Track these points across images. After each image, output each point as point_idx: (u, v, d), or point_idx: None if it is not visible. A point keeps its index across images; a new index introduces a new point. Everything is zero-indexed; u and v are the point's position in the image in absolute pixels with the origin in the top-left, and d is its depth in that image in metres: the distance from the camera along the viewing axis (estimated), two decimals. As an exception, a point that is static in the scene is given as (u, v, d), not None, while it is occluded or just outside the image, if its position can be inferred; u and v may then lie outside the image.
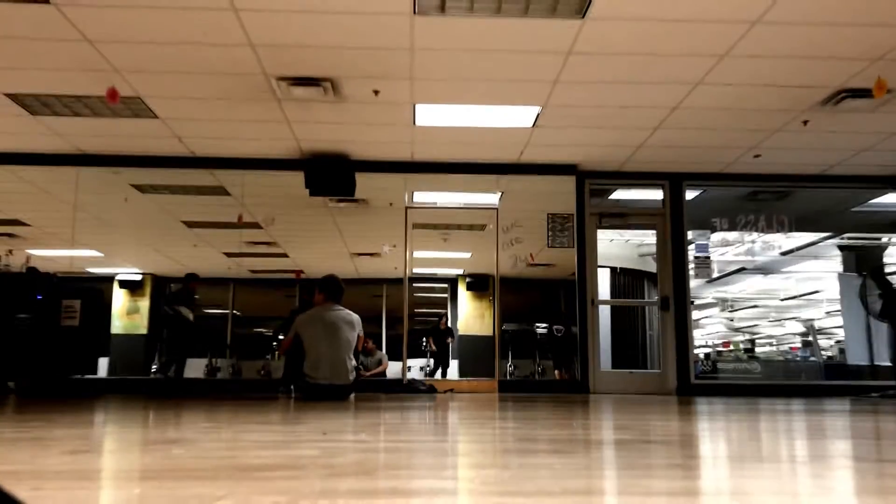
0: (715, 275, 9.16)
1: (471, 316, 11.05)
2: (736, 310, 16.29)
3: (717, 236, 8.77)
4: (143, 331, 10.23)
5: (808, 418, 3.01)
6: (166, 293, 9.76)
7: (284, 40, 5.22)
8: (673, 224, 8.26)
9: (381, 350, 10.35)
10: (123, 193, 8.50)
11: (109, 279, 10.15)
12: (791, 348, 16.32)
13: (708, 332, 18.27)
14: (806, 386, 8.36)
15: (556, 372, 9.12)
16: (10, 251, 8.19)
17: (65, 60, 5.53)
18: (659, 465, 1.43)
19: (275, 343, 9.12)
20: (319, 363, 5.54)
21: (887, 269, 9.20)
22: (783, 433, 2.28)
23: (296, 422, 2.73)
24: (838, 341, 12.87)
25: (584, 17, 4.83)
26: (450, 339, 11.16)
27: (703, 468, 1.44)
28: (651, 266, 10.12)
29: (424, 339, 11.06)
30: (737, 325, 17.81)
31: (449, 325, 11.39)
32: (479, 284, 11.04)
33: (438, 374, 10.88)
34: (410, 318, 8.59)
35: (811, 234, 9.64)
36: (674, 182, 8.30)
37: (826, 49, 5.23)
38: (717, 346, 17.45)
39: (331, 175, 7.77)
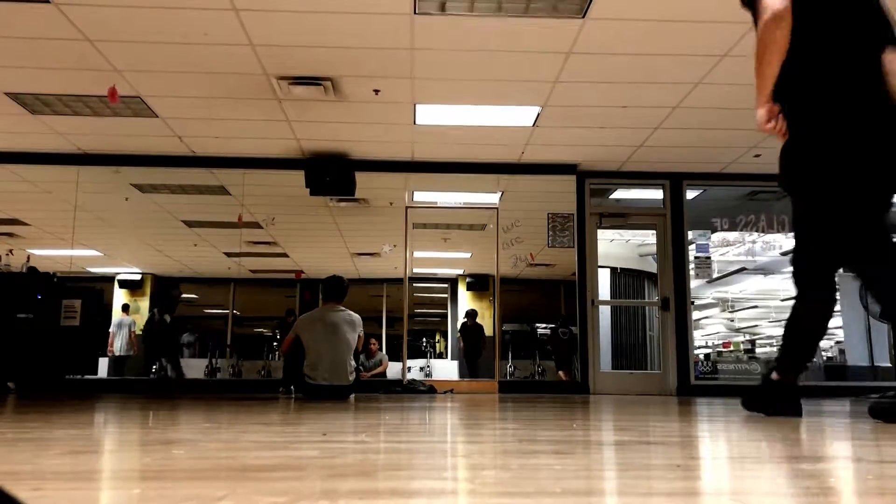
0: (715, 275, 9.16)
1: (471, 316, 11.04)
2: (736, 310, 16.28)
3: (717, 236, 8.77)
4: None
5: (807, 419, 3.01)
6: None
7: (285, 40, 5.22)
8: (673, 224, 8.26)
9: (381, 350, 10.35)
10: (124, 193, 8.51)
11: (110, 279, 10.16)
12: (791, 349, 16.28)
13: (708, 332, 18.27)
14: (805, 387, 8.34)
15: (560, 373, 9.12)
16: (11, 251, 8.19)
17: (65, 60, 5.53)
18: (659, 465, 1.43)
19: (276, 343, 9.18)
20: (319, 364, 5.54)
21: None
22: (783, 434, 2.28)
23: (296, 422, 2.73)
24: (838, 342, 12.85)
25: (584, 16, 4.83)
26: (481, 339, 10.71)
27: (704, 469, 1.43)
28: (651, 266, 10.11)
29: (458, 338, 10.90)
30: (737, 325, 17.81)
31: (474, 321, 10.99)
32: (479, 284, 11.04)
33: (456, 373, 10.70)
34: (410, 318, 8.59)
35: (811, 234, 9.61)
36: (674, 182, 8.30)
37: (827, 49, 5.23)
38: (717, 346, 17.45)
39: (331, 174, 7.78)
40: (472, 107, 6.50)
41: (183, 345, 9.58)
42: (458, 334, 10.87)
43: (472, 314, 10.76)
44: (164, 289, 9.25)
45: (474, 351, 10.37)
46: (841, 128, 2.77)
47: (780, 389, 3.19)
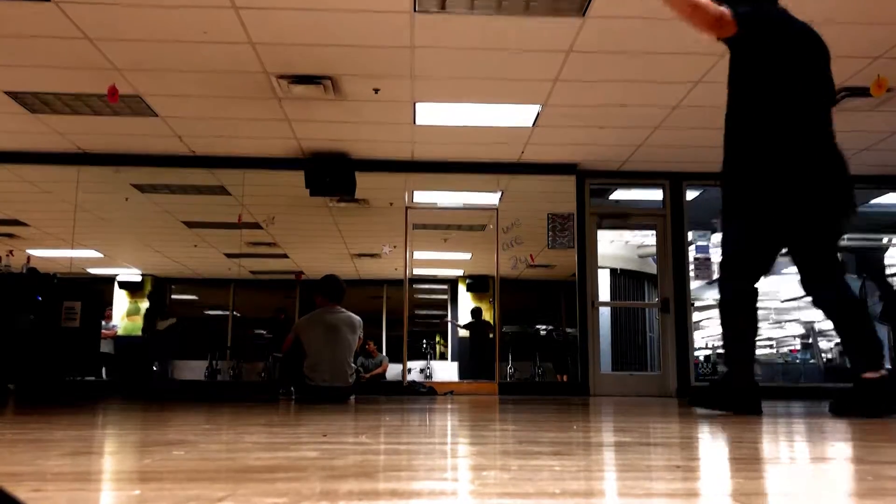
0: (715, 276, 9.15)
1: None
2: (736, 311, 16.19)
3: (717, 237, 8.76)
4: (144, 332, 10.21)
5: (807, 420, 3.00)
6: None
7: (285, 38, 5.22)
8: (673, 224, 8.26)
9: (381, 352, 10.34)
10: (124, 193, 8.51)
11: (110, 280, 10.15)
12: (791, 350, 16.28)
13: (708, 333, 18.24)
14: (805, 388, 8.36)
15: (558, 376, 9.14)
16: (11, 252, 8.18)
17: (65, 58, 5.53)
18: (659, 466, 1.43)
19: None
20: (319, 365, 5.53)
21: (888, 271, 9.19)
22: (783, 435, 2.28)
23: (296, 424, 2.73)
24: (838, 343, 12.82)
25: (584, 15, 4.83)
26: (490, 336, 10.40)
27: (704, 470, 1.43)
28: (651, 267, 10.11)
29: (462, 330, 10.90)
30: (737, 326, 17.74)
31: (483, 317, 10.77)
32: (479, 286, 11.03)
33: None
34: (411, 319, 8.58)
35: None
36: (674, 182, 8.30)
37: (827, 50, 5.23)
38: (717, 348, 17.42)
39: (331, 174, 7.78)
40: (471, 106, 6.50)
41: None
42: (465, 329, 10.82)
43: (476, 312, 10.76)
44: (155, 293, 9.50)
45: (482, 348, 10.26)
46: (775, 161, 3.19)
47: (733, 386, 3.30)
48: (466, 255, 10.92)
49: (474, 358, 10.33)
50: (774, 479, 1.29)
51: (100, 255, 10.01)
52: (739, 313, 3.34)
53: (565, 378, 8.62)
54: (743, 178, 3.29)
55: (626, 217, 8.88)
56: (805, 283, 3.29)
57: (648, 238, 10.20)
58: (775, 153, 3.19)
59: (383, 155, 7.89)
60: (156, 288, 10.05)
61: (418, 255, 9.29)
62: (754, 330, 3.37)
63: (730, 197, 3.36)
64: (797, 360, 13.95)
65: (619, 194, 8.86)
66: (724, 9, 3.08)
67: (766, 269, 3.39)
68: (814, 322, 13.79)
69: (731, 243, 3.37)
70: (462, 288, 11.39)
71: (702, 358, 10.99)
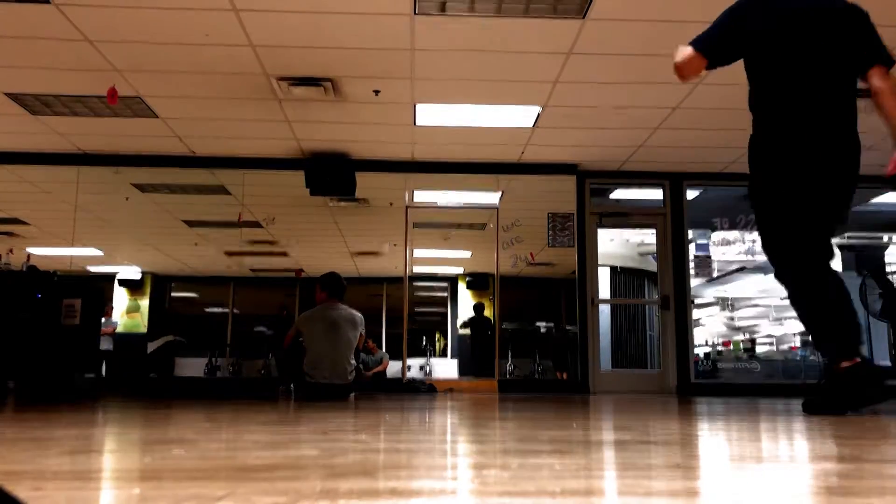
0: (715, 274, 9.15)
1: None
2: (736, 309, 16.27)
3: (717, 236, 8.76)
4: (143, 330, 10.24)
5: (808, 418, 3.01)
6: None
7: (285, 40, 5.22)
8: (673, 223, 8.26)
9: (381, 349, 10.34)
10: (124, 192, 8.51)
11: (110, 278, 10.16)
12: (791, 348, 16.28)
13: (708, 331, 18.24)
14: (806, 385, 8.35)
15: (558, 373, 9.15)
16: (11, 250, 8.19)
17: (65, 60, 5.53)
18: (659, 465, 1.43)
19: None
20: (319, 363, 5.53)
21: (887, 269, 9.19)
22: (783, 434, 2.28)
23: (296, 422, 2.73)
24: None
25: (584, 16, 4.83)
26: (489, 332, 10.35)
27: (704, 469, 1.44)
28: (651, 265, 10.12)
29: (462, 329, 10.91)
30: (737, 324, 17.79)
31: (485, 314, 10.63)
32: (479, 283, 11.04)
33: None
34: (410, 317, 8.59)
35: (811, 233, 9.59)
36: (674, 182, 8.30)
37: (826, 49, 5.22)
38: (717, 345, 17.43)
39: (331, 174, 7.78)
40: (472, 107, 6.49)
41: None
42: (466, 328, 10.82)
43: (478, 307, 10.75)
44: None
45: (483, 345, 10.22)
46: (790, 133, 3.28)
47: (843, 379, 2.91)
48: (466, 254, 10.93)
49: (475, 355, 10.32)
50: (775, 478, 1.29)
51: (100, 253, 10.02)
52: (814, 291, 3.19)
53: (565, 375, 8.63)
54: (760, 176, 3.32)
55: (627, 216, 8.88)
56: None
57: (648, 236, 10.21)
58: (782, 147, 3.27)
59: (383, 155, 7.89)
60: (154, 304, 10.18)
61: (418, 253, 9.30)
62: (838, 301, 3.11)
63: (756, 194, 3.32)
64: (797, 358, 13.93)
65: (620, 193, 8.86)
66: (686, 52, 3.23)
67: (826, 239, 3.22)
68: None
69: (773, 234, 3.29)
70: (462, 286, 11.40)
71: (701, 355, 11.00)
